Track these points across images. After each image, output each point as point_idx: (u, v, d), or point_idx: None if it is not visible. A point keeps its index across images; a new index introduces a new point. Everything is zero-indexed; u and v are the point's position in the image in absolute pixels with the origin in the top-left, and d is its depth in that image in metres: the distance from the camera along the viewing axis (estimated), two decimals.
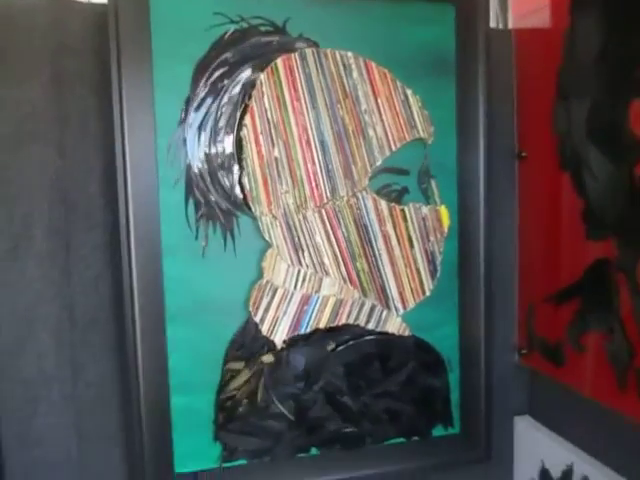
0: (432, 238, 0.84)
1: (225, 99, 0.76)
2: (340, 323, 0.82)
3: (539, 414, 0.91)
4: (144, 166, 0.74)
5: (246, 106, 0.77)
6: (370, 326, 0.83)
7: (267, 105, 0.77)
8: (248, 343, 0.80)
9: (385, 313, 0.83)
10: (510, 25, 0.92)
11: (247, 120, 0.77)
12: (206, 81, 0.76)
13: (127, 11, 0.73)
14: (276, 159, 0.77)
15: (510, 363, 0.92)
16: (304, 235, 0.79)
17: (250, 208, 0.78)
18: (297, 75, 0.78)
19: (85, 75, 0.76)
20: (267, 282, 0.79)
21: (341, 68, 0.79)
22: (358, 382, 0.84)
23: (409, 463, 0.87)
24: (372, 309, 0.83)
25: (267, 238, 0.78)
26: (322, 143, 0.79)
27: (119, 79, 0.73)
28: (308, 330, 0.81)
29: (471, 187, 0.85)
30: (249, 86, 0.77)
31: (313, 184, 0.79)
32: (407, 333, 0.85)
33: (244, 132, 0.77)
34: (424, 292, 0.84)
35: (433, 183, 0.84)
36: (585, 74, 0.72)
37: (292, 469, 0.83)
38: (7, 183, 0.74)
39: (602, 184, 0.71)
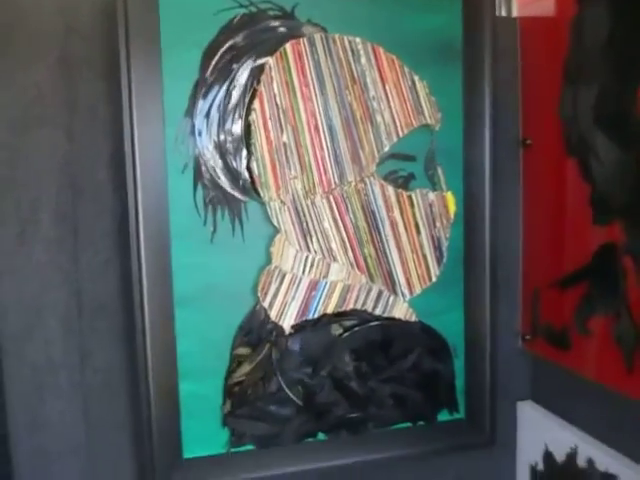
0: (438, 224, 0.84)
1: (234, 84, 0.76)
2: (348, 308, 0.82)
3: (542, 399, 0.92)
4: (153, 151, 0.74)
5: (255, 91, 0.77)
6: (377, 311, 0.83)
7: (276, 90, 0.77)
8: (256, 328, 0.80)
9: (392, 299, 0.84)
10: (514, 13, 0.92)
11: (256, 105, 0.76)
12: (215, 66, 0.76)
13: None
14: (284, 144, 0.77)
15: (513, 349, 0.92)
16: (312, 220, 0.79)
17: (258, 193, 0.78)
18: (306, 60, 0.78)
19: (93, 59, 0.75)
20: (275, 267, 0.79)
21: (349, 54, 0.79)
22: (365, 367, 0.85)
23: (415, 448, 0.87)
24: (379, 295, 0.83)
25: (275, 223, 0.78)
26: (330, 129, 0.79)
27: (128, 64, 0.72)
28: (316, 315, 0.81)
29: (477, 174, 0.86)
30: (258, 71, 0.77)
31: (321, 169, 0.79)
32: (413, 319, 0.85)
33: (253, 117, 0.76)
34: (430, 278, 0.85)
35: (439, 169, 0.84)
36: (593, 60, 0.73)
37: (299, 454, 0.83)
38: (15, 167, 0.74)
39: (609, 169, 0.72)
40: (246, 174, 0.78)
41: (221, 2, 0.75)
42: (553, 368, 0.87)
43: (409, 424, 0.87)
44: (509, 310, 0.92)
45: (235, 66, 0.76)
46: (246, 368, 0.80)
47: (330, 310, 0.82)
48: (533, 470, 0.89)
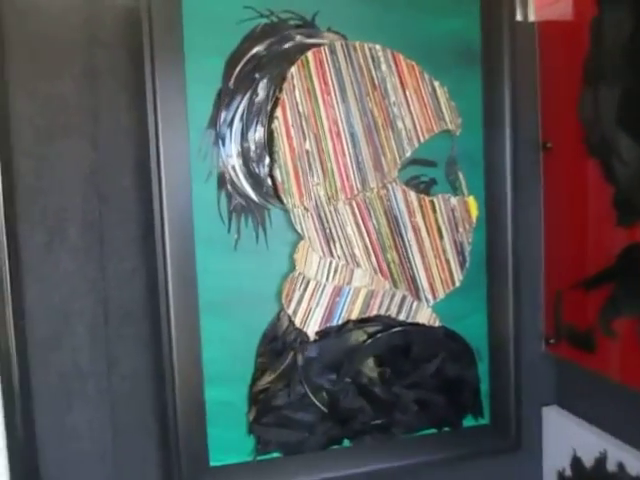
0: (461, 229, 0.84)
1: (256, 92, 0.77)
2: (371, 314, 0.82)
3: (567, 403, 0.91)
4: (177, 160, 0.75)
5: (277, 99, 0.77)
6: (401, 317, 0.83)
7: (298, 98, 0.78)
8: (281, 335, 0.80)
9: (415, 304, 0.84)
10: (531, 17, 0.93)
11: (278, 113, 0.77)
12: (238, 74, 0.76)
13: (160, 6, 0.73)
14: (307, 151, 0.78)
15: (537, 353, 0.92)
16: (335, 227, 0.80)
17: (282, 200, 0.78)
18: (327, 68, 0.78)
19: (117, 69, 0.77)
20: (299, 274, 0.79)
21: (370, 61, 0.80)
22: (389, 373, 0.84)
23: (440, 454, 0.87)
24: (403, 300, 0.83)
25: (299, 230, 0.79)
26: (352, 135, 0.79)
27: (152, 73, 0.73)
28: (340, 322, 0.81)
29: (498, 178, 0.86)
30: (280, 79, 0.78)
31: (344, 176, 0.79)
32: (437, 324, 0.85)
33: (275, 125, 0.77)
34: (454, 282, 0.85)
35: (460, 174, 0.85)
36: (615, 61, 0.73)
37: (325, 461, 0.83)
38: (41, 177, 0.75)
39: (633, 170, 0.72)
40: (269, 181, 0.78)
41: (243, 12, 0.76)
42: (578, 371, 0.86)
43: (434, 430, 0.87)
44: (532, 314, 0.92)
45: (257, 75, 0.77)
46: (271, 375, 0.80)
47: (354, 316, 0.82)
48: (560, 476, 0.89)
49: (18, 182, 0.74)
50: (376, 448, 0.85)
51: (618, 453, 0.78)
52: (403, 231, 0.82)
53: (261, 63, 0.77)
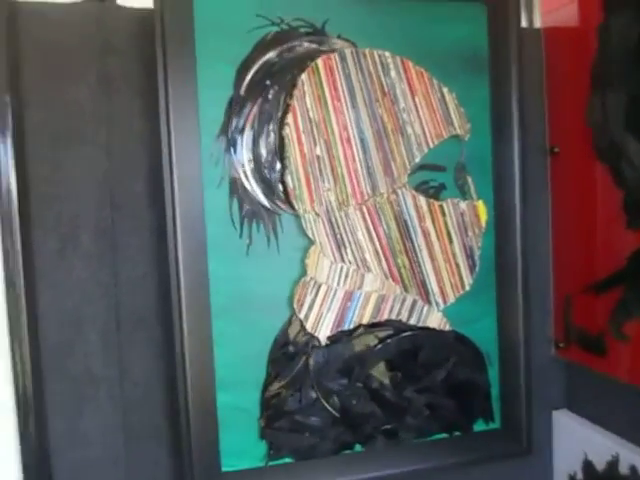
0: (470, 233, 0.85)
1: (267, 99, 0.78)
2: (382, 319, 0.83)
3: (578, 407, 0.91)
4: (189, 166, 0.75)
5: (288, 105, 0.78)
6: (412, 321, 0.84)
7: (309, 104, 0.78)
8: (292, 340, 0.81)
9: (426, 308, 0.84)
10: (537, 23, 0.94)
11: (289, 119, 0.78)
12: (249, 81, 0.77)
13: (172, 15, 0.74)
14: (318, 157, 0.79)
15: (547, 356, 0.92)
16: (346, 232, 0.80)
17: (293, 206, 0.79)
18: (337, 75, 0.79)
19: (131, 76, 0.77)
20: (311, 279, 0.80)
21: (379, 67, 0.81)
22: (400, 377, 0.85)
23: (451, 458, 0.87)
24: (413, 304, 0.83)
25: (310, 235, 0.79)
26: (362, 141, 0.80)
27: (165, 81, 0.74)
28: (351, 326, 0.82)
29: (506, 182, 0.87)
30: (290, 86, 0.78)
31: (354, 181, 0.80)
32: (447, 328, 0.85)
33: (286, 131, 0.78)
34: (464, 287, 0.85)
35: (469, 179, 0.85)
36: (623, 66, 0.74)
37: (337, 466, 0.83)
38: (55, 184, 0.75)
39: None
40: (280, 187, 0.79)
41: (254, 20, 0.77)
42: (588, 375, 0.87)
43: (445, 435, 0.87)
44: (542, 317, 0.92)
45: (268, 82, 0.78)
46: (283, 380, 0.81)
47: (365, 321, 0.82)
48: (572, 479, 0.89)
49: (32, 188, 0.74)
50: (387, 453, 0.85)
51: (630, 456, 0.78)
52: (413, 236, 0.83)
53: (272, 70, 0.78)
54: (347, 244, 0.80)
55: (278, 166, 0.79)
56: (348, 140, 0.80)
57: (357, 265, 0.81)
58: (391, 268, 0.82)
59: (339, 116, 0.79)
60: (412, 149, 0.82)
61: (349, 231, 0.80)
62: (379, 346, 0.83)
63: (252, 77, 0.77)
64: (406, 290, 0.83)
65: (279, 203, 0.79)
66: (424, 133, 0.82)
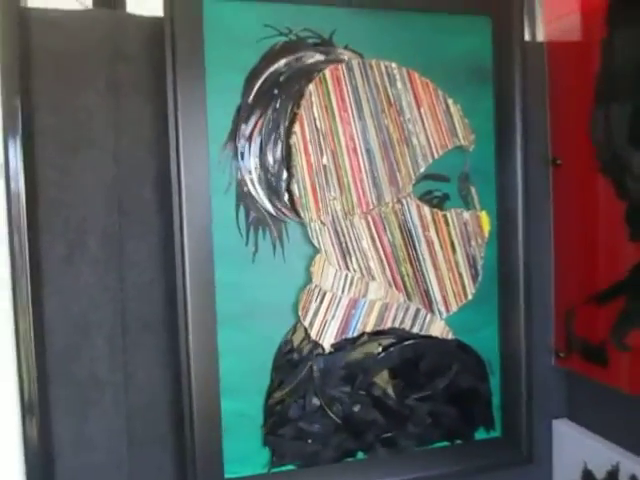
0: (473, 243, 0.86)
1: (275, 108, 0.79)
2: (386, 327, 0.83)
3: (578, 416, 0.92)
4: (197, 173, 0.76)
5: (295, 115, 0.79)
6: (415, 329, 0.84)
7: (316, 114, 0.79)
8: (297, 347, 0.81)
9: (429, 317, 0.85)
10: (539, 37, 0.95)
11: (296, 128, 0.79)
12: (257, 90, 0.78)
13: (182, 23, 0.75)
14: (324, 166, 0.79)
15: (548, 366, 0.93)
16: (351, 240, 0.81)
17: (299, 214, 0.79)
18: (344, 85, 0.80)
19: (140, 83, 0.78)
20: (316, 287, 0.80)
21: (385, 79, 0.82)
22: (403, 385, 0.85)
23: (453, 466, 0.87)
24: (417, 313, 0.84)
25: (315, 243, 0.80)
26: (368, 151, 0.81)
27: (174, 88, 0.75)
28: (355, 334, 0.82)
29: (509, 193, 0.88)
30: (298, 95, 0.79)
31: (360, 191, 0.81)
32: (450, 336, 0.86)
33: (293, 140, 0.79)
34: (466, 296, 0.86)
35: (473, 189, 0.86)
36: (627, 80, 0.75)
37: (339, 473, 0.83)
38: (64, 189, 0.76)
39: None
40: (287, 195, 0.80)
41: (263, 31, 0.78)
42: (588, 385, 0.87)
43: (447, 443, 0.88)
44: (543, 327, 0.93)
45: (276, 91, 0.79)
46: (287, 387, 0.81)
47: (369, 328, 0.83)
48: None
49: (41, 193, 0.75)
50: (389, 460, 0.85)
51: (630, 465, 0.79)
52: (417, 245, 0.83)
53: (280, 80, 0.79)
54: (352, 252, 0.81)
55: (285, 174, 0.79)
56: (354, 150, 0.80)
57: (362, 273, 0.82)
58: (395, 276, 0.83)
59: (346, 126, 0.80)
60: (417, 159, 0.83)
61: (354, 240, 0.81)
62: (382, 354, 0.84)
63: (260, 86, 0.78)
64: (409, 298, 0.84)
65: (285, 211, 0.80)
66: (429, 144, 0.83)
